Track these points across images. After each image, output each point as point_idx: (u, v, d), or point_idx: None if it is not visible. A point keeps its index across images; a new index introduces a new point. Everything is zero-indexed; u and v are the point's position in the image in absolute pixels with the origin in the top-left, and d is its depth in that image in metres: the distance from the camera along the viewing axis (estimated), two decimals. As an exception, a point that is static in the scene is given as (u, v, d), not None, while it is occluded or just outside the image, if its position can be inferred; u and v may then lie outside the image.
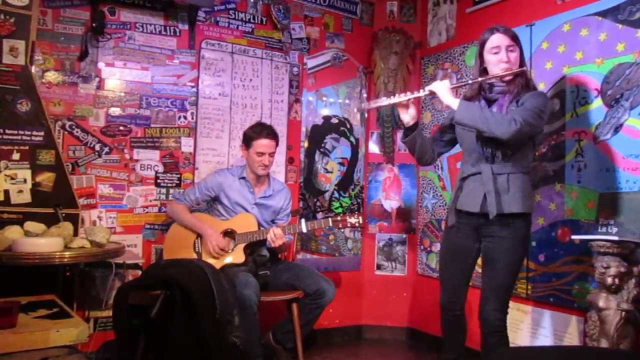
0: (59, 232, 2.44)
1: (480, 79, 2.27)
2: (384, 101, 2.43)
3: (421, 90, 2.36)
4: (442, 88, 2.26)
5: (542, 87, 2.88)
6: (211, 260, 2.74)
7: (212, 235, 2.86)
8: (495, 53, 2.23)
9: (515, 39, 2.26)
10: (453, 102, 2.21)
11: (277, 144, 3.01)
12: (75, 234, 2.59)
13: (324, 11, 3.78)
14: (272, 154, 2.97)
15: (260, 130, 2.95)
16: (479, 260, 2.39)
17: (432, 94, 2.32)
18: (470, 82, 2.32)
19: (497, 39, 2.24)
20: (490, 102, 2.28)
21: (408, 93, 2.35)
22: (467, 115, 2.15)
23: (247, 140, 2.97)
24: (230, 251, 2.88)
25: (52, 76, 2.91)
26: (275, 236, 2.78)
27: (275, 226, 2.85)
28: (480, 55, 2.31)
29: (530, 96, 2.18)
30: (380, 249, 3.86)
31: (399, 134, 3.80)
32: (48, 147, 2.69)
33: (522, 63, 2.26)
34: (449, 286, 2.42)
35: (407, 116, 2.37)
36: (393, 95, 2.41)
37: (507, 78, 2.23)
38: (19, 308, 1.89)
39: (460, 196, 2.32)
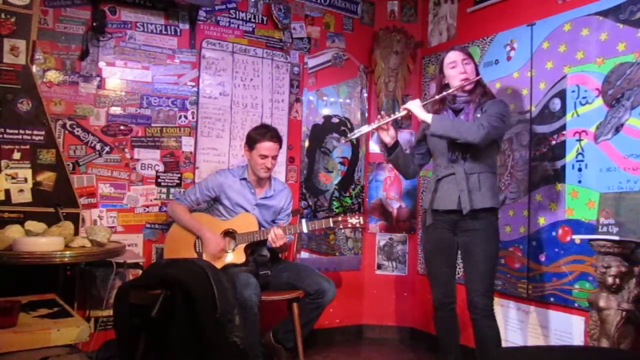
0: (59, 232, 2.44)
1: (445, 92, 2.52)
2: (365, 129, 2.66)
3: (397, 112, 2.58)
4: (415, 106, 2.50)
5: (542, 86, 2.89)
6: (212, 260, 2.74)
7: (210, 239, 2.86)
8: (453, 67, 2.52)
9: (468, 54, 2.56)
10: (427, 117, 2.45)
11: (280, 147, 2.99)
12: (76, 233, 2.59)
13: (324, 11, 3.78)
14: (275, 157, 2.96)
15: (264, 133, 2.93)
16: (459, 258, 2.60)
17: (408, 114, 2.57)
18: (437, 97, 2.54)
19: (453, 55, 2.53)
20: (456, 112, 2.54)
21: (386, 117, 2.57)
22: (441, 126, 2.40)
23: (251, 142, 2.95)
24: (231, 251, 2.88)
25: (52, 75, 2.91)
26: (276, 237, 2.78)
27: (276, 226, 2.84)
28: (441, 72, 2.58)
29: (491, 104, 2.47)
30: (380, 249, 3.86)
31: (400, 133, 3.81)
32: (49, 147, 2.69)
33: (477, 74, 2.54)
34: (441, 281, 2.58)
35: (388, 137, 2.59)
36: (376, 119, 2.60)
37: (468, 88, 2.50)
38: (20, 307, 1.89)
39: (435, 197, 2.52)
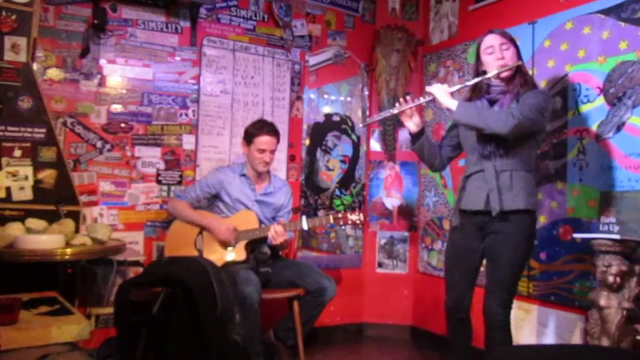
0: (60, 229, 2.44)
1: (477, 79, 2.29)
2: (385, 114, 2.46)
3: (421, 98, 2.36)
4: (440, 91, 2.27)
5: (544, 85, 2.88)
6: (212, 258, 2.74)
7: (218, 226, 2.86)
8: (491, 53, 2.27)
9: (508, 37, 2.29)
10: (451, 104, 2.22)
11: (278, 141, 3.00)
12: (77, 231, 2.59)
13: (325, 8, 3.77)
14: (273, 151, 2.96)
15: (261, 127, 2.94)
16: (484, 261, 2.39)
17: (433, 99, 2.32)
18: (468, 83, 2.33)
19: (490, 39, 2.28)
20: (492, 103, 2.29)
21: (409, 101, 2.34)
22: (465, 114, 2.18)
23: (248, 136, 2.96)
24: (231, 248, 2.89)
25: (53, 73, 2.91)
26: (277, 233, 2.78)
27: (276, 223, 2.84)
28: (478, 58, 2.34)
29: (530, 94, 2.20)
30: (381, 247, 3.86)
31: (401, 132, 3.81)
32: (49, 144, 2.69)
33: (518, 59, 2.28)
34: (455, 289, 2.40)
35: (412, 124, 2.39)
36: (396, 105, 2.38)
37: (505, 75, 2.25)
38: (21, 305, 1.89)
39: (463, 196, 2.34)
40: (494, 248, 2.26)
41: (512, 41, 2.29)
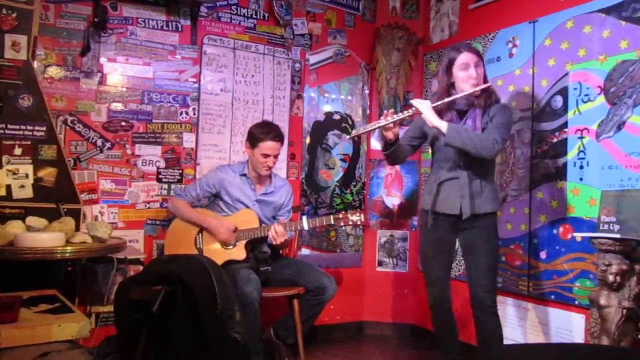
0: (60, 228, 2.44)
1: (457, 96, 2.45)
2: (371, 126, 2.60)
3: (405, 112, 2.50)
4: (426, 108, 2.42)
5: (545, 84, 2.88)
6: (213, 257, 2.74)
7: (218, 225, 2.87)
8: (465, 69, 2.44)
9: (480, 56, 2.50)
10: (440, 125, 2.38)
11: (282, 146, 2.99)
12: (77, 229, 2.60)
13: (326, 7, 3.77)
14: (277, 156, 2.96)
15: (267, 132, 2.91)
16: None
17: (417, 113, 2.47)
18: (447, 100, 2.46)
19: (465, 57, 2.45)
20: (460, 114, 2.50)
21: (394, 115, 2.47)
22: (458, 139, 2.36)
23: (254, 140, 2.93)
24: (232, 247, 2.89)
25: (54, 71, 2.91)
26: (277, 234, 2.78)
27: (277, 223, 2.84)
28: (448, 71, 2.50)
29: (498, 110, 2.45)
30: (381, 246, 3.86)
31: (401, 132, 3.79)
32: (50, 143, 2.69)
33: (486, 78, 2.50)
34: (437, 283, 2.58)
35: (391, 134, 2.52)
36: (382, 118, 2.51)
37: (477, 93, 2.45)
38: (21, 303, 1.90)
39: (437, 200, 2.52)
40: (471, 242, 2.50)
41: (482, 59, 2.52)
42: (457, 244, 2.61)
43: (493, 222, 2.51)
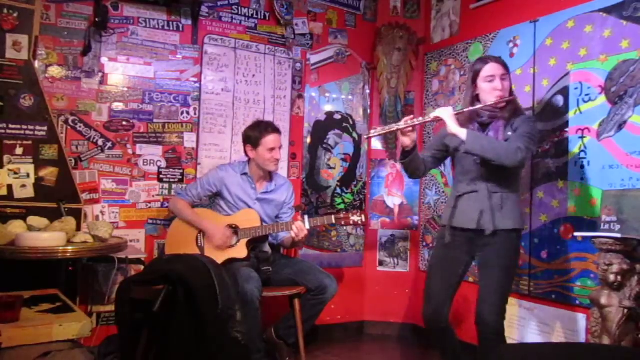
0: (61, 227, 2.45)
1: (479, 106, 2.38)
2: (389, 128, 2.47)
3: (426, 116, 2.44)
4: (447, 115, 2.34)
5: (545, 83, 2.88)
6: (214, 256, 2.74)
7: (214, 230, 2.87)
8: (490, 81, 2.35)
9: (507, 68, 2.40)
10: (460, 132, 2.29)
11: (281, 136, 3.03)
12: (78, 228, 2.60)
13: (327, 7, 3.77)
14: (280, 148, 3.00)
15: (265, 127, 2.95)
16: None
17: (437, 119, 2.39)
18: (470, 109, 2.40)
19: (491, 69, 2.36)
20: (483, 126, 2.41)
21: (414, 119, 2.39)
22: (478, 146, 2.26)
23: (254, 140, 2.94)
24: (233, 246, 2.89)
25: (55, 71, 2.91)
26: (298, 230, 2.80)
27: (291, 221, 2.88)
28: (474, 82, 2.41)
29: (522, 122, 2.34)
30: (382, 245, 3.86)
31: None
32: (51, 142, 2.70)
33: (511, 91, 2.41)
34: (434, 298, 2.43)
35: (408, 139, 2.40)
36: (402, 121, 2.41)
37: (501, 106, 2.36)
38: (22, 302, 1.90)
39: (455, 214, 2.41)
40: (487, 258, 2.35)
41: (509, 72, 2.41)
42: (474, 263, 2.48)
43: (513, 239, 2.35)
